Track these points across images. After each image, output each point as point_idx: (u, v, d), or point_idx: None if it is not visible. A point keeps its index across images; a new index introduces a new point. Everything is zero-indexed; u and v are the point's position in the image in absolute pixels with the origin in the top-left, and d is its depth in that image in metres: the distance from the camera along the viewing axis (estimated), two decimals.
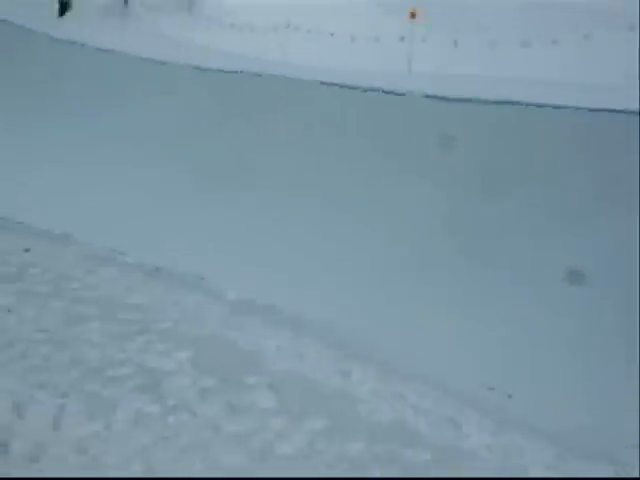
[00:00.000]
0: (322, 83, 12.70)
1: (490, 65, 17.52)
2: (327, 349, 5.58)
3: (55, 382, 4.67)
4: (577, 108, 9.35)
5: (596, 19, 25.79)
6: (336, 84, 12.62)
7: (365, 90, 12.50)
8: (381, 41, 22.70)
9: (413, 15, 19.73)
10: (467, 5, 28.01)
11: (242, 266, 8.28)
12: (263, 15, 24.74)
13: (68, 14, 20.97)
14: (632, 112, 8.77)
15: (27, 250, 6.83)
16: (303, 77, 13.14)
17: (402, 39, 21.30)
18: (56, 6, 20.63)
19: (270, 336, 5.67)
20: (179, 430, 4.33)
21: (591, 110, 9.26)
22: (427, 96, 11.83)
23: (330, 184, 10.35)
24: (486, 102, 10.66)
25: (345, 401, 4.81)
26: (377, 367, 5.36)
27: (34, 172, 12.30)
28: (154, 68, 15.75)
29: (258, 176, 11.27)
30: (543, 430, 4.86)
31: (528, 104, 10.05)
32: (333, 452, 4.25)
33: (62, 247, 7.25)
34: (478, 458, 4.36)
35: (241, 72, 14.46)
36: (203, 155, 12.84)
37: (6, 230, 7.61)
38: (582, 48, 22.66)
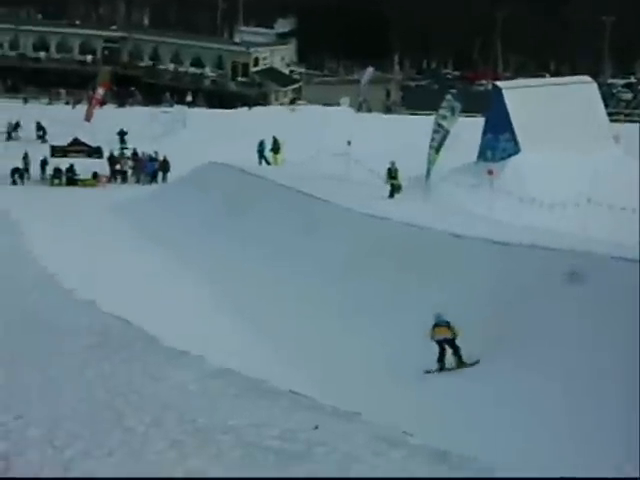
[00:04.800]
0: (612, 257, 12.41)
1: None
2: None
3: None
4: None
5: None
6: (629, 259, 12.27)
7: None
8: None
9: None
10: None
11: None
12: (564, 189, 24.55)
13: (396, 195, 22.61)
14: None
15: (316, 427, 6.96)
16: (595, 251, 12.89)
17: None
18: (388, 188, 22.55)
19: None
20: None
21: None
22: None
23: None
24: None
25: None
26: None
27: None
28: (453, 242, 15.97)
29: None
30: None
31: None
32: None
33: (351, 425, 7.30)
34: None
35: (534, 246, 14.32)
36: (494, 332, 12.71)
37: (298, 406, 7.81)
38: None
